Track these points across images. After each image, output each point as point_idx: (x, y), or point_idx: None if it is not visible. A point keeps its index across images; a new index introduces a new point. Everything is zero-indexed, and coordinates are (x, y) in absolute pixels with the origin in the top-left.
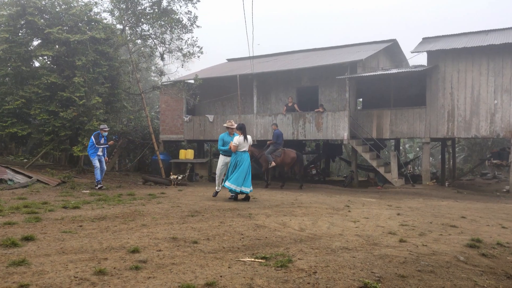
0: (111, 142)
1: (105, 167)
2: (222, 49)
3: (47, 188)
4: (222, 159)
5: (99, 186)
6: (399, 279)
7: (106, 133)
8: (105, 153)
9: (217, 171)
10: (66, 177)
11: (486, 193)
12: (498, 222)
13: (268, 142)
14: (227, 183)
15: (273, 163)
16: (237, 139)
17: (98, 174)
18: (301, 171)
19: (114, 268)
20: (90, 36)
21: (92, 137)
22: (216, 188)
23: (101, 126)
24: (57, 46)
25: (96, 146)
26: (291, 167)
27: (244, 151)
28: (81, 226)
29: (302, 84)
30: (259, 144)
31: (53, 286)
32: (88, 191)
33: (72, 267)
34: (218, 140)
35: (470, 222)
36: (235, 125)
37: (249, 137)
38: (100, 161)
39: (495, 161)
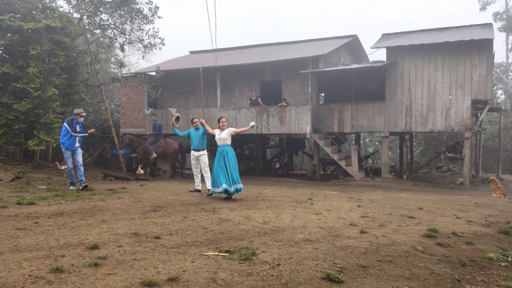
0: (91, 130)
1: (81, 161)
2: (184, 40)
3: (0, 184)
4: (192, 154)
5: (73, 187)
6: (360, 269)
7: (82, 119)
8: (81, 144)
9: (192, 168)
10: (20, 172)
11: (442, 185)
12: (452, 212)
13: (147, 133)
14: (211, 188)
15: (154, 154)
16: (226, 132)
17: (72, 176)
18: (184, 163)
19: (72, 265)
20: (45, 24)
21: (65, 124)
22: (196, 186)
23: (76, 111)
24: (9, 35)
25: (73, 134)
26: (175, 160)
27: (226, 144)
28: (36, 222)
29: (266, 78)
30: (138, 134)
31: (5, 286)
32: (44, 186)
33: (26, 265)
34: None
35: (427, 213)
36: (197, 120)
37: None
38: (75, 153)
39: (450, 155)
